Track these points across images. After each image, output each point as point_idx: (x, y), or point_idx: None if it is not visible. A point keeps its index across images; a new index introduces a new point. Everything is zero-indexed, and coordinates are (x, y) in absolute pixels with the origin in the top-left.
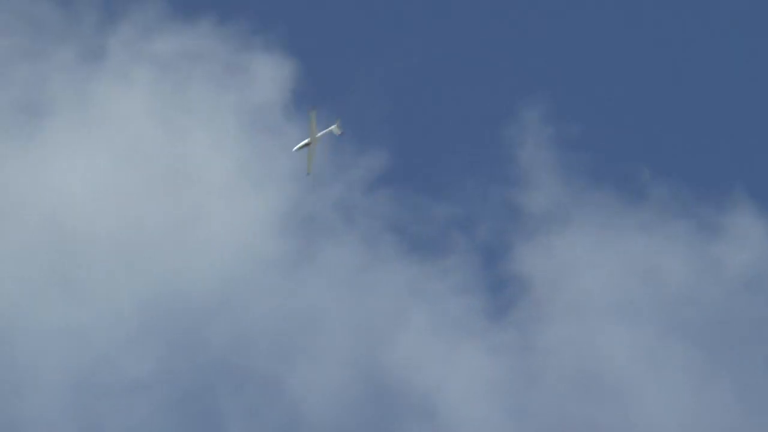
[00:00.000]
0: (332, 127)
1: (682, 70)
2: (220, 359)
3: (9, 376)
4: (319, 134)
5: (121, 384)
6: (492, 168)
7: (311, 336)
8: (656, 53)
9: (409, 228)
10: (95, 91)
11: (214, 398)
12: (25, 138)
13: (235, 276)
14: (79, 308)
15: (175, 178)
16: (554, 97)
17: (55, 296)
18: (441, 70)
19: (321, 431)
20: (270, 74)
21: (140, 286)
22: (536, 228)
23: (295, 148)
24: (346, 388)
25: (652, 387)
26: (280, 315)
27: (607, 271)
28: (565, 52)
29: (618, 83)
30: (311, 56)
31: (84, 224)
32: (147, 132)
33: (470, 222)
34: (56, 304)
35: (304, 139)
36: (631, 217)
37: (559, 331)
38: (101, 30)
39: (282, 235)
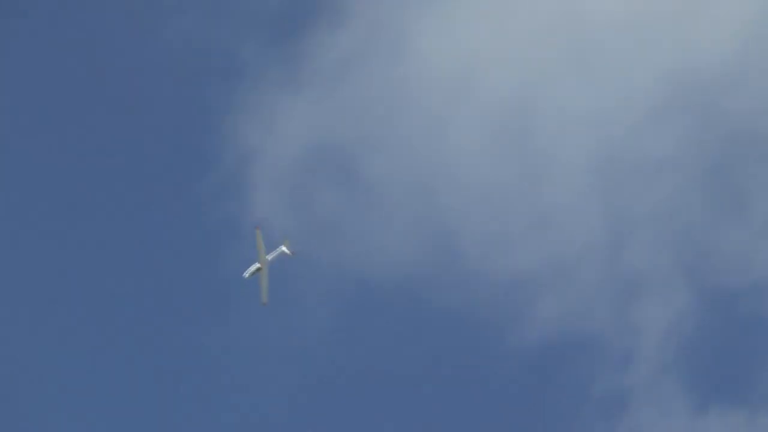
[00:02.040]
0: (281, 247)
1: None
2: (742, 130)
3: (531, 161)
4: (269, 257)
5: (645, 162)
6: None
7: None
8: None
9: None
10: None
11: (738, 170)
12: None
13: (751, 45)
14: (597, 89)
15: None
16: None
17: (572, 79)
18: None
19: None
20: None
21: (656, 62)
22: None
23: (246, 273)
24: None
25: None
26: None
27: None
28: None
29: None
30: None
31: (596, 4)
32: None
33: None
34: (575, 87)
35: (253, 263)
36: None
37: None
38: None
39: None
